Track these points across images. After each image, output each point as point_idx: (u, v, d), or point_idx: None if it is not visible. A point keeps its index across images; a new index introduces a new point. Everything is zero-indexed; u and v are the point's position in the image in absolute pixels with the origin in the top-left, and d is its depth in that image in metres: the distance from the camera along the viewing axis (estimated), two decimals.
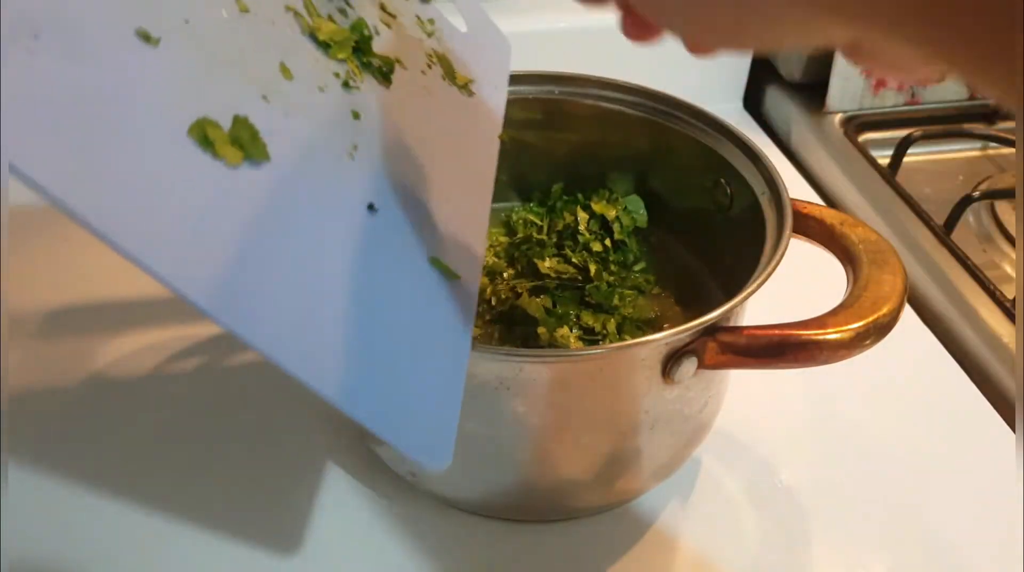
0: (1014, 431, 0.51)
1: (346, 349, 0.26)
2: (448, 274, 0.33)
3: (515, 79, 0.52)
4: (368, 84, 0.35)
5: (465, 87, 0.42)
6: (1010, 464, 0.49)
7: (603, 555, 0.44)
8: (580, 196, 0.54)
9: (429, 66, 0.40)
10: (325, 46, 0.34)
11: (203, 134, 0.26)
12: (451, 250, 0.34)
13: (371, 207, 0.31)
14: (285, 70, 0.31)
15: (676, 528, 0.45)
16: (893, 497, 0.47)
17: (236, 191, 0.26)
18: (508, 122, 0.53)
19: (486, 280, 0.50)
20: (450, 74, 0.42)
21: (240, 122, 0.27)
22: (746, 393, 0.49)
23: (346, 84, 0.34)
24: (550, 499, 0.43)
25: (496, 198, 0.56)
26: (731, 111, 0.80)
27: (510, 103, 0.52)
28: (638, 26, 0.29)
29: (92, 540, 0.44)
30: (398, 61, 0.38)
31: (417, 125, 0.37)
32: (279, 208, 0.27)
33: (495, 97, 0.44)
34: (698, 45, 0.27)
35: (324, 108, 0.32)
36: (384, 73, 0.36)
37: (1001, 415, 0.52)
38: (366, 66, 0.36)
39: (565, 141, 0.54)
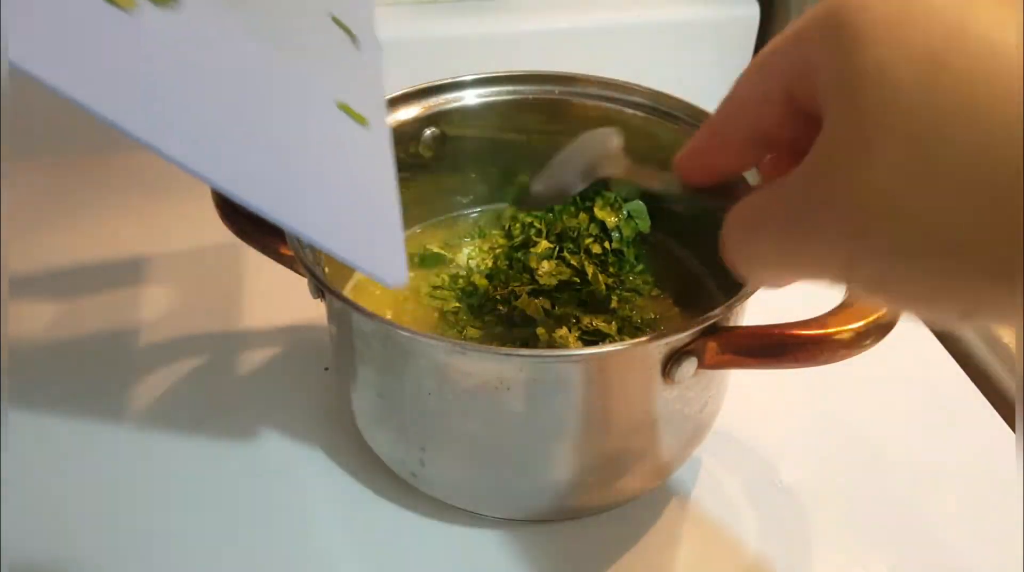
0: (1014, 431, 0.51)
1: (289, 177, 0.27)
2: (356, 118, 0.33)
3: (515, 79, 0.52)
4: None
5: None
6: (1010, 464, 0.49)
7: (603, 555, 0.44)
8: (578, 198, 0.54)
9: None
10: None
11: None
12: (355, 100, 0.34)
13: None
14: None
15: (676, 528, 0.45)
16: (893, 497, 0.47)
17: (140, 25, 0.26)
18: (509, 122, 0.53)
19: (485, 281, 0.50)
20: None
21: None
22: (746, 393, 0.48)
23: None
24: (550, 499, 0.43)
25: (494, 199, 0.57)
26: None
27: (511, 103, 0.52)
28: None
29: (90, 537, 0.44)
30: None
31: None
32: (187, 43, 0.28)
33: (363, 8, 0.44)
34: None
35: None
36: None
37: (1001, 415, 0.52)
38: None
39: (565, 142, 0.53)
